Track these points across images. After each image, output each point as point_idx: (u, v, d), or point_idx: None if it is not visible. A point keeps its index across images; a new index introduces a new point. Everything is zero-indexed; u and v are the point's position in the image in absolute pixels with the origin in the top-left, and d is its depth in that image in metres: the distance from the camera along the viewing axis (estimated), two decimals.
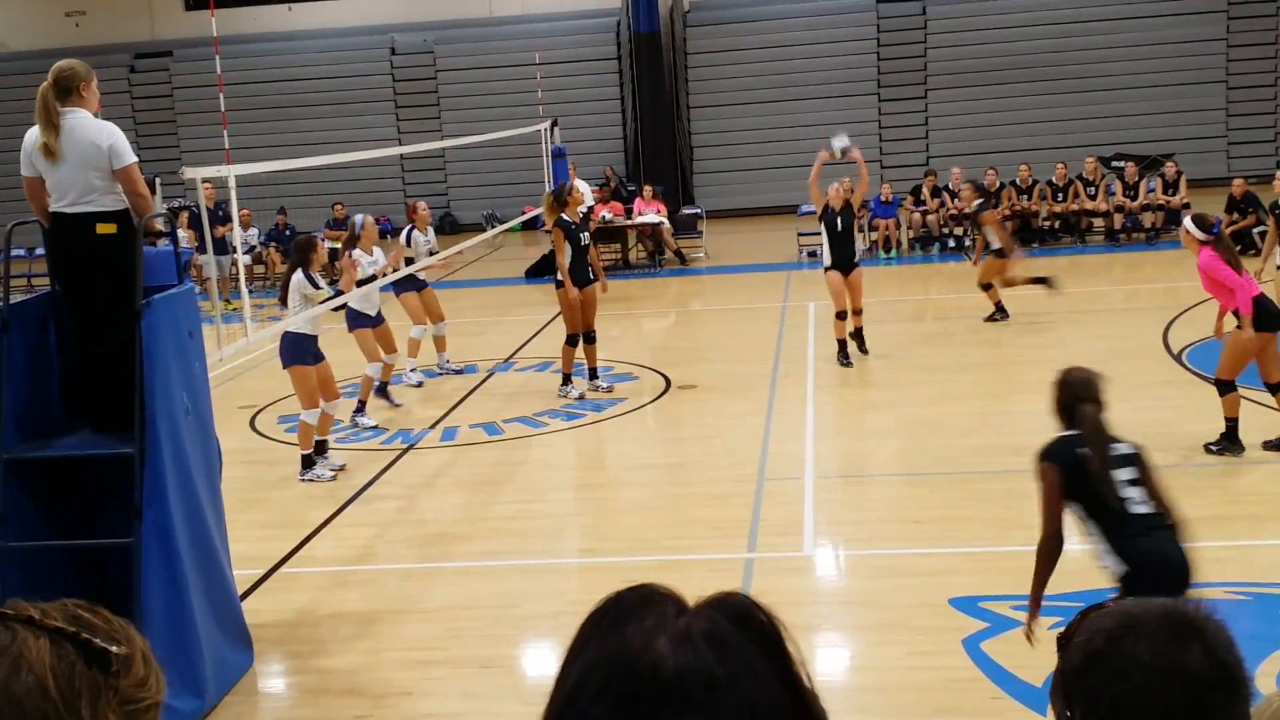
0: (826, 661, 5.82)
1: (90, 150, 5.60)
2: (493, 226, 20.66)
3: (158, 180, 15.09)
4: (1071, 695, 1.46)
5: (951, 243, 18.74)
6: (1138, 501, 4.59)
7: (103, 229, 5.70)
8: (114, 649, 0.96)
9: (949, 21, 25.02)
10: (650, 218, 19.21)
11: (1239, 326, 7.95)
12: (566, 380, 11.19)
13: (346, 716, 5.54)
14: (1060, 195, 18.72)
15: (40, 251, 6.65)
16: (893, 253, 18.67)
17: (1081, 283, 14.96)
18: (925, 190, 19.02)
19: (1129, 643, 1.40)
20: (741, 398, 10.74)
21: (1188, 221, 8.20)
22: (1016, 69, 24.51)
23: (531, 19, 26.09)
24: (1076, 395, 4.75)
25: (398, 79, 26.61)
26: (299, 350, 8.93)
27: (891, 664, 5.70)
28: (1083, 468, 4.60)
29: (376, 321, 10.72)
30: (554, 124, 17.54)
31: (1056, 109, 24.30)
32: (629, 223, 19.22)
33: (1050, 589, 6.22)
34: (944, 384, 10.71)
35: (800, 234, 18.76)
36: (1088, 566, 6.65)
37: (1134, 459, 4.66)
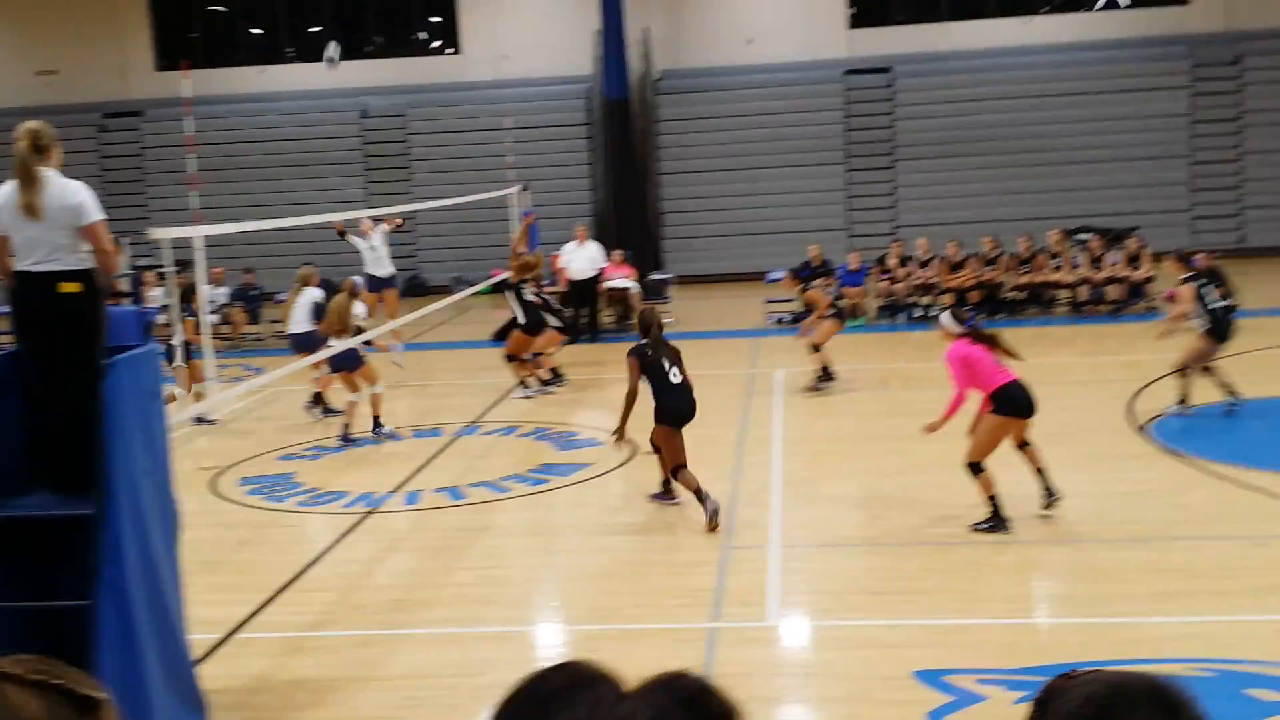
0: None
1: (61, 208, 5.60)
2: (460, 289, 20.66)
3: (124, 241, 15.13)
4: None
5: (918, 312, 18.91)
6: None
7: (67, 287, 5.66)
8: (97, 694, 0.98)
9: (916, 94, 25.43)
10: (619, 282, 19.29)
11: (993, 411, 8.49)
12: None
13: None
14: (1025, 266, 18.95)
15: (3, 310, 6.58)
16: (860, 320, 18.80)
17: (1046, 354, 15.09)
18: (892, 259, 19.21)
19: (1121, 712, 1.40)
20: (707, 464, 10.67)
21: (944, 316, 8.92)
22: (983, 141, 24.90)
23: (503, 84, 26.33)
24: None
25: (368, 142, 26.74)
26: None
27: None
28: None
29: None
30: (524, 188, 17.59)
31: (1022, 181, 24.67)
32: (598, 287, 19.26)
33: (1016, 663, 6.21)
34: (909, 453, 10.72)
35: (768, 300, 18.86)
36: (1055, 640, 6.65)
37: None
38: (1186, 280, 11.71)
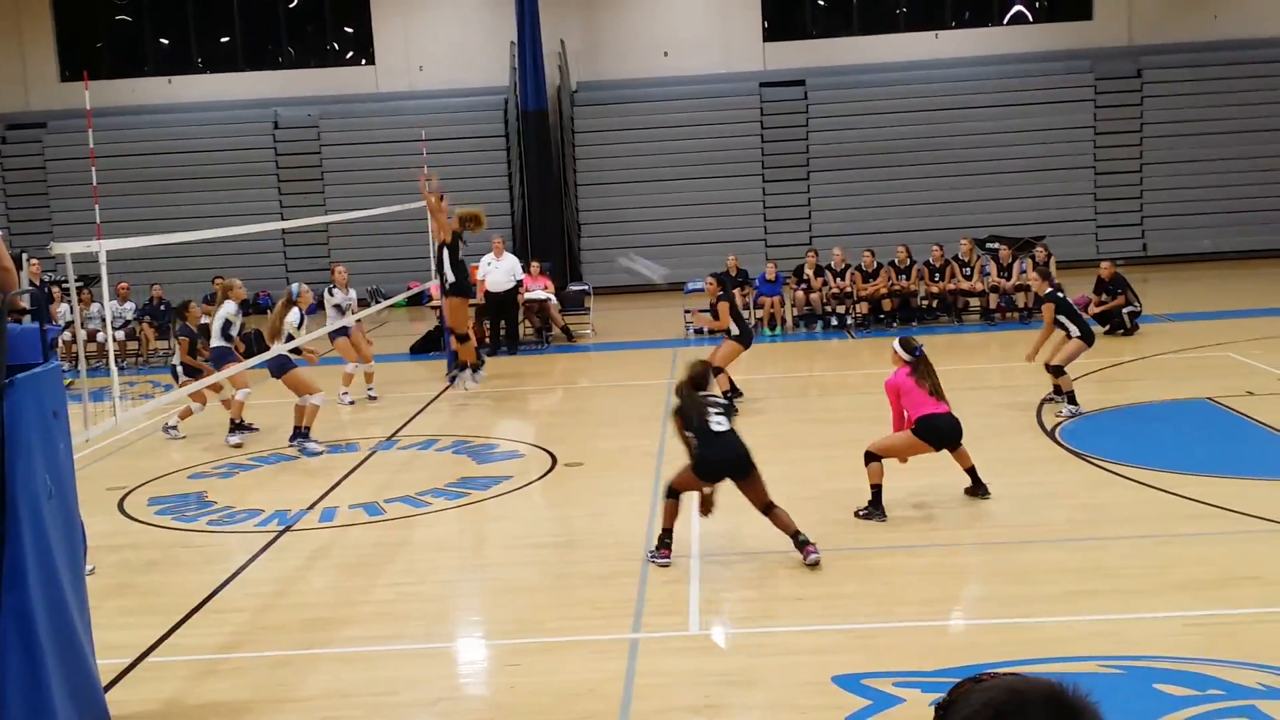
0: None
1: None
2: (377, 302, 20.45)
3: (24, 256, 14.88)
4: None
5: (834, 320, 19.11)
6: None
7: None
8: None
9: (829, 106, 25.76)
10: (538, 294, 19.24)
11: (913, 431, 8.93)
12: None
13: None
14: (937, 275, 19.25)
15: None
16: (778, 330, 18.95)
17: (959, 361, 15.33)
18: (808, 269, 19.39)
19: (1018, 718, 1.41)
20: (628, 475, 10.71)
21: (895, 343, 9.24)
22: (895, 153, 25.30)
23: (417, 96, 26.16)
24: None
25: (280, 153, 26.38)
26: None
27: None
28: None
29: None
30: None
31: (933, 192, 25.10)
32: (517, 299, 19.17)
33: (932, 665, 6.29)
34: (828, 460, 10.83)
35: (686, 311, 18.93)
36: (970, 641, 6.75)
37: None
38: (1045, 299, 12.23)
